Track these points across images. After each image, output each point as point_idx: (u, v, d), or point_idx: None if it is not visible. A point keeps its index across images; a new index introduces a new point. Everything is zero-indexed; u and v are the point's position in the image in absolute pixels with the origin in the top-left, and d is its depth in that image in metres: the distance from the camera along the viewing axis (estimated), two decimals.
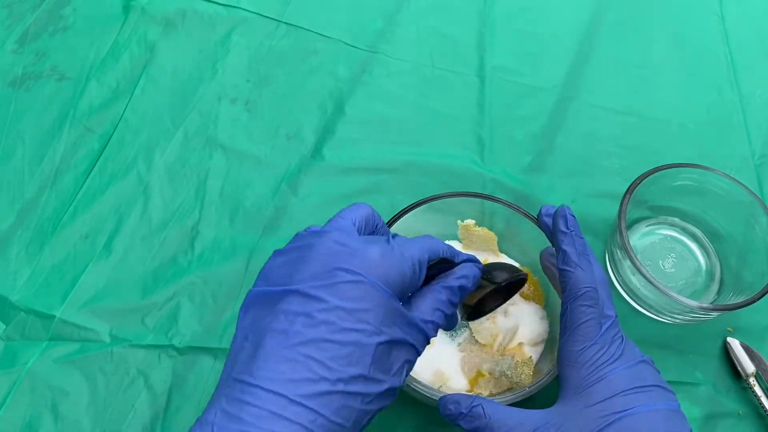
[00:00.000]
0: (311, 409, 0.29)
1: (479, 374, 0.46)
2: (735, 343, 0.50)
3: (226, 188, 0.57)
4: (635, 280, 0.49)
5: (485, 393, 0.45)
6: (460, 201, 0.49)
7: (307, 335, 0.30)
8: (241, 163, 0.58)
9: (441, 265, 0.37)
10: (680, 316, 0.48)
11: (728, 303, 0.47)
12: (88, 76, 0.62)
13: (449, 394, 0.39)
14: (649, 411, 0.35)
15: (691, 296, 0.50)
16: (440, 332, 0.47)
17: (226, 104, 0.61)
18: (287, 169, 0.58)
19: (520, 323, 0.47)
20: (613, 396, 0.36)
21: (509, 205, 0.48)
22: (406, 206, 0.47)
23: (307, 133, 0.60)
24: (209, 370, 0.48)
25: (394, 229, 0.46)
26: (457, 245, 0.51)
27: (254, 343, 0.31)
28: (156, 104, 0.61)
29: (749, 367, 0.49)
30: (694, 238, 0.55)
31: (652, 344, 0.50)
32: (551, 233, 0.42)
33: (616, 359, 0.37)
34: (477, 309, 0.43)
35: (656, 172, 0.50)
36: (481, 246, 0.50)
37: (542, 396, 0.42)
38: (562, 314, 0.39)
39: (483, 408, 0.37)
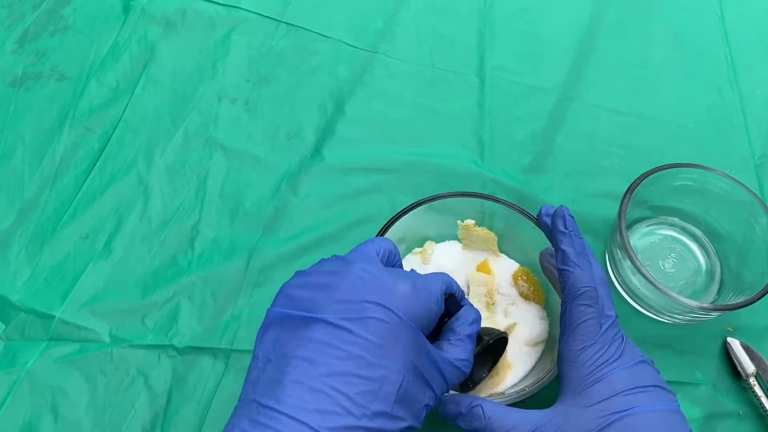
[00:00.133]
0: None
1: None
2: (735, 343, 0.50)
3: (226, 188, 0.57)
4: (635, 280, 0.49)
5: (484, 393, 0.45)
6: (460, 201, 0.48)
7: (335, 367, 0.30)
8: (241, 163, 0.58)
9: (447, 300, 0.38)
10: (680, 316, 0.48)
11: (728, 303, 0.47)
12: (88, 76, 0.62)
13: (449, 394, 0.39)
14: (649, 411, 0.35)
15: (691, 296, 0.50)
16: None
17: (226, 104, 0.61)
18: (287, 169, 0.58)
19: (519, 323, 0.47)
20: (612, 396, 0.36)
21: (509, 205, 0.48)
22: (406, 206, 0.47)
23: (307, 133, 0.60)
24: (209, 370, 0.48)
25: (394, 228, 0.46)
26: (457, 245, 0.51)
27: (278, 368, 0.31)
28: (156, 104, 0.61)
29: (749, 367, 0.49)
30: (694, 238, 0.55)
31: (652, 344, 0.50)
32: (551, 233, 0.42)
33: (616, 359, 0.37)
34: (467, 379, 0.43)
35: (656, 172, 0.49)
36: (481, 246, 0.50)
37: (542, 396, 0.42)
38: (562, 314, 0.39)
39: (482, 408, 0.37)
